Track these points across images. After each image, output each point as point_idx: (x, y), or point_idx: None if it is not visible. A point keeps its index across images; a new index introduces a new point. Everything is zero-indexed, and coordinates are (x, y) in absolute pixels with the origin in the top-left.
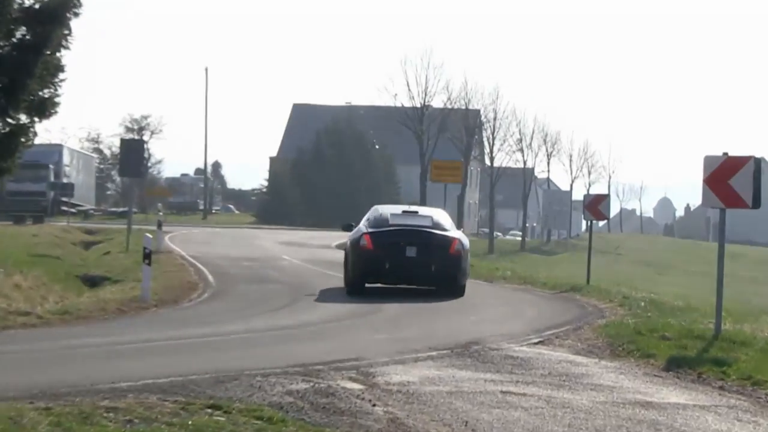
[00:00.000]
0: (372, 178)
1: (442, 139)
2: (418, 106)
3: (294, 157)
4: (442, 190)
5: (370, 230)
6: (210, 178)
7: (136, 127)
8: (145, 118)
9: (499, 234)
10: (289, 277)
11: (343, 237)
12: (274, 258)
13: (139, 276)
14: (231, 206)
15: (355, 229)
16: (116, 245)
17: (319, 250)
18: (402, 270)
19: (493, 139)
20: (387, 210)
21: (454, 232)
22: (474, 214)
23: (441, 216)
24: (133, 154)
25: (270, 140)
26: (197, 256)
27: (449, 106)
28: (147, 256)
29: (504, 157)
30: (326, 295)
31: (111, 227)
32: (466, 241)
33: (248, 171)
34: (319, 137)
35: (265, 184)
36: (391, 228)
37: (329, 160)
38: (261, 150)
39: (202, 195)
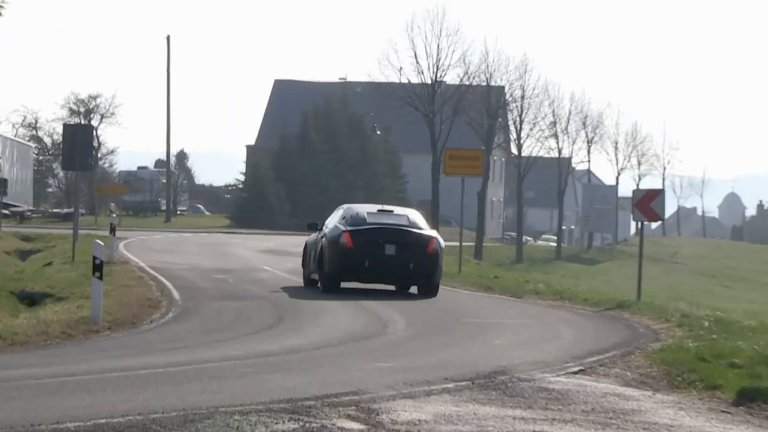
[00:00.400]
0: (372, 171)
1: (458, 122)
2: (429, 82)
3: (276, 145)
4: (458, 185)
5: (349, 228)
6: (174, 172)
7: (82, 109)
8: (94, 98)
9: (529, 239)
10: (271, 292)
11: None
12: (253, 269)
13: (87, 292)
14: (200, 206)
15: (332, 227)
16: (59, 254)
17: None
18: (381, 268)
19: (521, 122)
20: (362, 209)
21: (429, 231)
22: (498, 214)
23: (416, 215)
24: (79, 142)
25: (247, 125)
26: (159, 267)
27: (466, 83)
28: (98, 267)
29: (534, 145)
30: (318, 314)
31: (53, 232)
32: (441, 239)
33: (221, 163)
34: (306, 121)
35: (242, 178)
36: (370, 226)
37: (319, 148)
38: (236, 137)
39: (165, 192)
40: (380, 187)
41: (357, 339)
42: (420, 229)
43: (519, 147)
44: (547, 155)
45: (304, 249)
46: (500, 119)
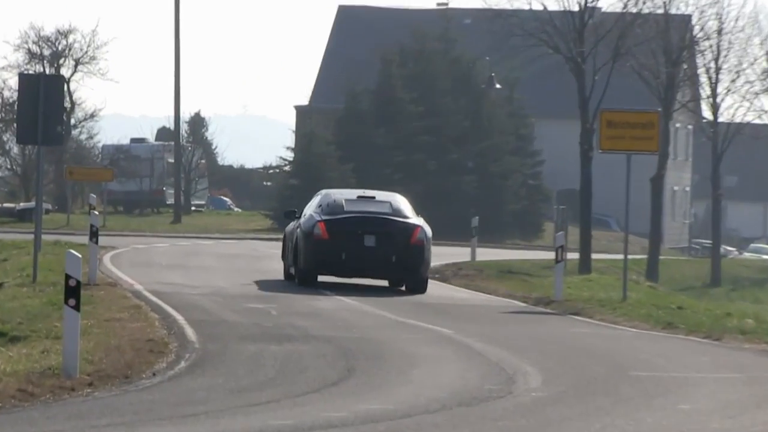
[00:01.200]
0: (488, 145)
1: (619, 71)
2: (575, 9)
3: (341, 106)
4: (622, 167)
5: (324, 218)
6: (186, 146)
7: (47, 51)
8: (64, 35)
9: (731, 249)
10: (333, 330)
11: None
12: (306, 295)
13: (57, 329)
14: (225, 198)
15: (306, 217)
16: (14, 271)
17: None
18: (359, 261)
19: (718, 70)
20: (340, 195)
21: (415, 219)
22: (683, 212)
23: (400, 201)
24: (42, 102)
25: (297, 77)
26: (165, 291)
27: (633, 10)
28: (72, 291)
29: (739, 105)
30: (408, 363)
31: (4, 238)
32: (428, 228)
33: (257, 133)
34: (387, 69)
35: (289, 156)
36: (347, 215)
37: (407, 110)
38: (280, 95)
39: (172, 178)
40: (501, 170)
41: (468, 402)
42: (404, 217)
43: (714, 109)
44: (758, 122)
45: (283, 240)
46: (685, 66)
